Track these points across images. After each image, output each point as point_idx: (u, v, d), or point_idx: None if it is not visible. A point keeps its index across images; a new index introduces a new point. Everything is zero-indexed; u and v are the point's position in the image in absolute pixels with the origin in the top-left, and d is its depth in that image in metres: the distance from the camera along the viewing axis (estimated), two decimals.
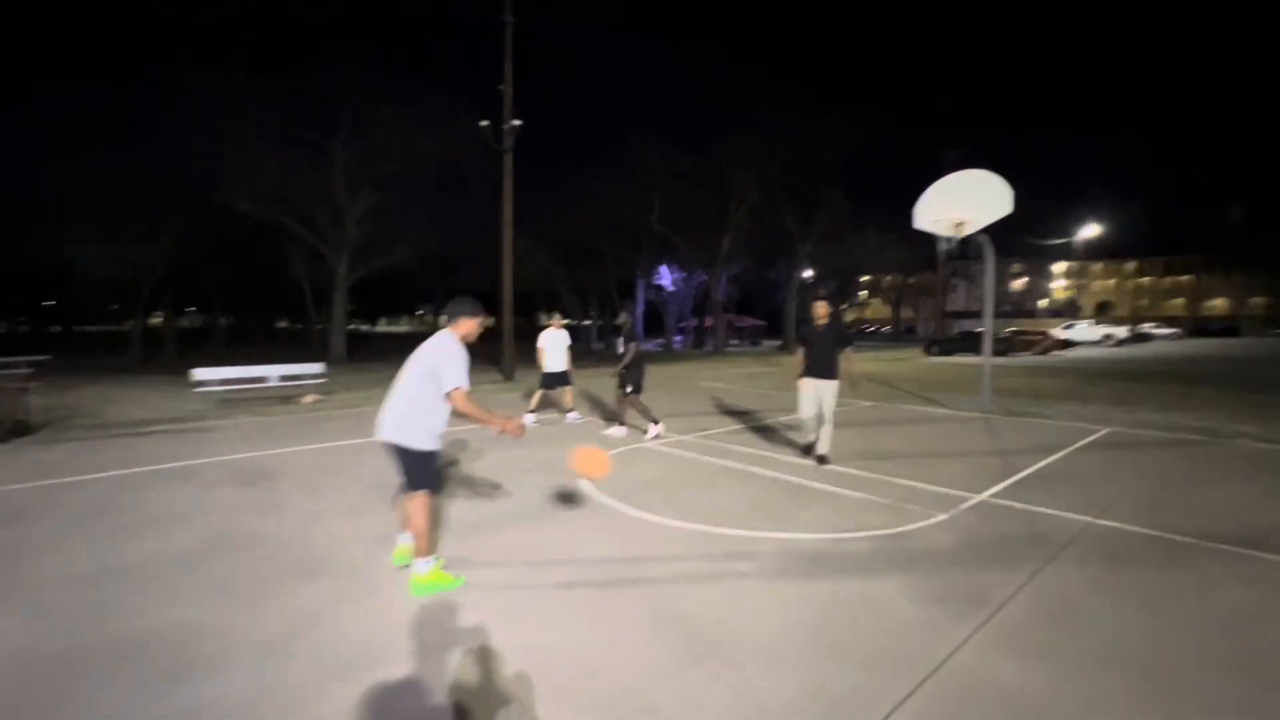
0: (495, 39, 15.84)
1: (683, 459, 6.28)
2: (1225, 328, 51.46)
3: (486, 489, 5.14)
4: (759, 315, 49.51)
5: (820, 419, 5.92)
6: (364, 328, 75.52)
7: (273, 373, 11.31)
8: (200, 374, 10.28)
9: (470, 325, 3.37)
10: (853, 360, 6.09)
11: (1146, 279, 67.31)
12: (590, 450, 3.94)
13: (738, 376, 15.85)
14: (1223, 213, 58.65)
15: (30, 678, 2.45)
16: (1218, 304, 61.71)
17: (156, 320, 34.67)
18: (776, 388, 12.94)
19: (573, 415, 8.71)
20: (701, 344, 39.85)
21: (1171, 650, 2.61)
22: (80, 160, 21.37)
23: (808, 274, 37.66)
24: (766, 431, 7.82)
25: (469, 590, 3.21)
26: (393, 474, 3.49)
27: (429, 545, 3.27)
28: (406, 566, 3.37)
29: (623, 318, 7.82)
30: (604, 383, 14.06)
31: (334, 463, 6.11)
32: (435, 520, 3.71)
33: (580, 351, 30.53)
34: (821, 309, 6.00)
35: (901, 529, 4.13)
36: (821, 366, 5.89)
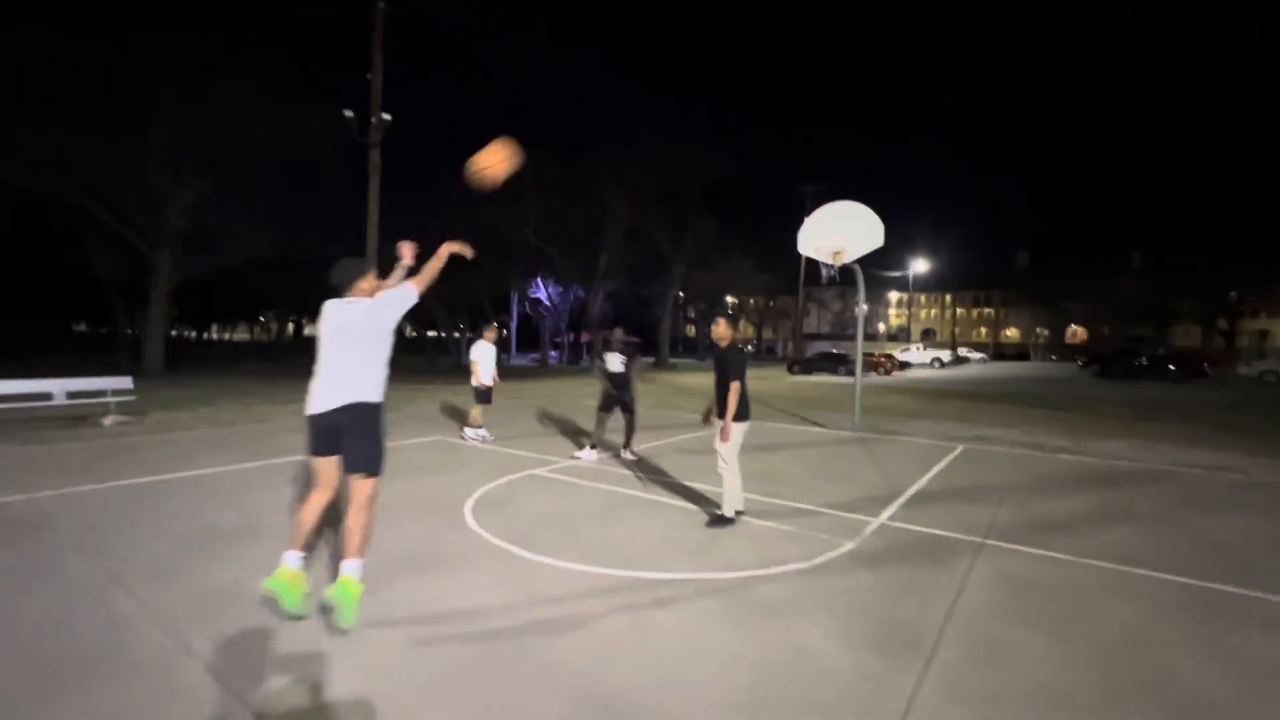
0: (366, 25, 14.47)
1: (578, 488, 5.78)
2: (1018, 352, 61.23)
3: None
4: (633, 331, 50.24)
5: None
6: (191, 334, 65.92)
7: (59, 388, 9.13)
8: None
9: (370, 283, 3.14)
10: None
11: (960, 310, 78.02)
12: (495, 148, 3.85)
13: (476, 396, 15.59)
14: (1014, 256, 70.06)
15: None
16: (1012, 333, 72.90)
17: None
18: (660, 406, 12.84)
19: (481, 433, 8.18)
20: (577, 360, 39.47)
21: (1092, 683, 2.60)
22: None
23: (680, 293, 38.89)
24: (662, 454, 7.55)
25: (344, 663, 2.48)
26: (223, 517, 2.66)
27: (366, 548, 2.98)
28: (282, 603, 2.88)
29: (618, 334, 7.33)
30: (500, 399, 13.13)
31: (137, 506, 4.84)
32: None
33: (449, 366, 28.89)
34: (721, 329, 5.01)
35: (815, 561, 3.97)
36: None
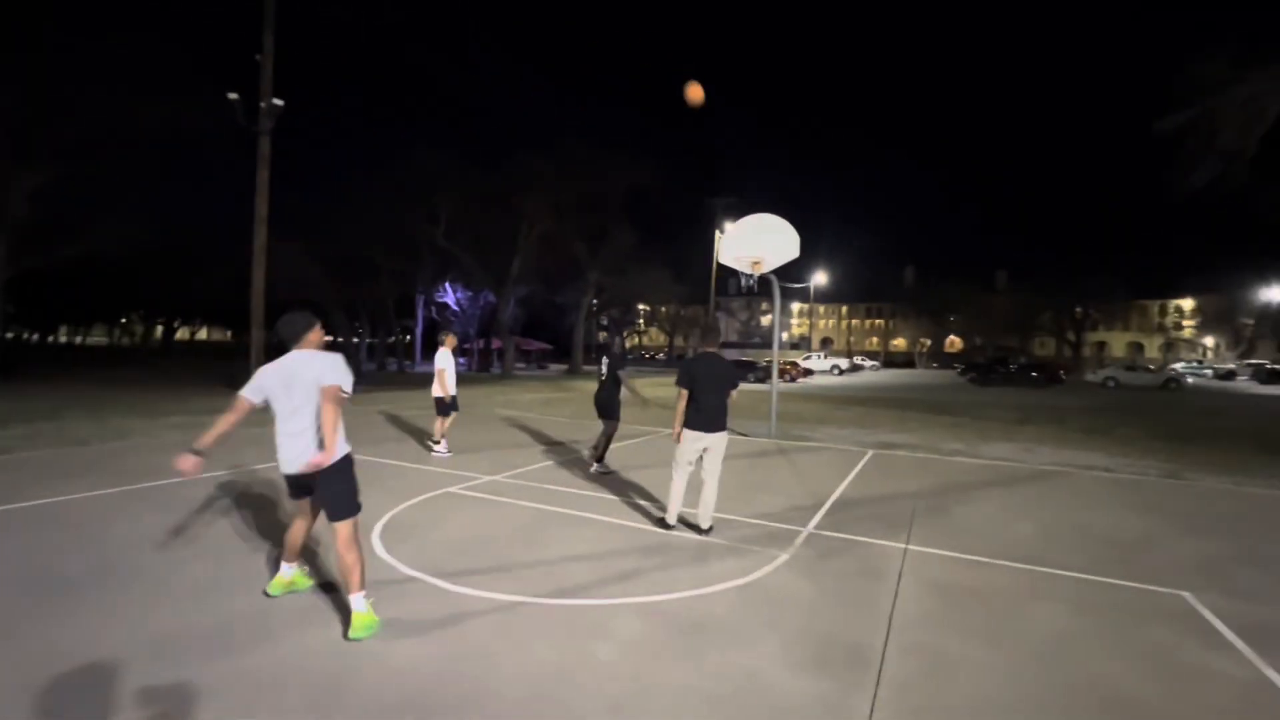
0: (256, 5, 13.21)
1: (500, 506, 5.42)
2: (905, 360, 66.40)
3: (258, 570, 3.72)
4: (545, 338, 49.35)
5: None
6: (33, 337, 57.59)
7: None
8: None
9: (317, 335, 3.18)
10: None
11: (855, 320, 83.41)
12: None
13: (534, 403, 15.13)
14: (902, 272, 76.06)
15: None
16: (900, 342, 78.81)
17: None
18: (577, 416, 12.56)
19: (440, 448, 7.74)
20: (487, 367, 38.20)
21: (1029, 690, 2.66)
22: None
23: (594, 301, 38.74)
24: (582, 467, 7.30)
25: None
26: (67, 559, 2.16)
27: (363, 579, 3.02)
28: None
29: (617, 343, 6.92)
30: (413, 410, 12.22)
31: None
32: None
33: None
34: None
35: (753, 575, 3.90)
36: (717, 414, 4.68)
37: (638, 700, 2.50)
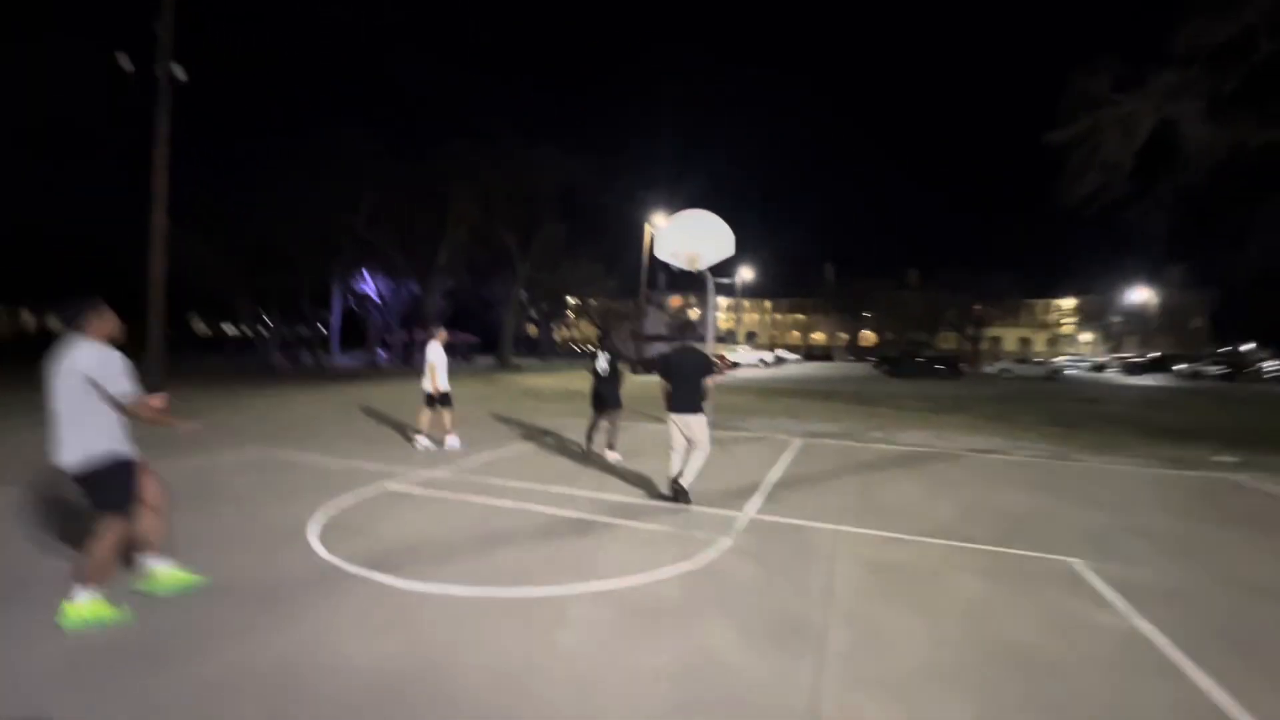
0: None
1: (444, 502, 5.33)
2: (824, 354, 69.70)
3: (199, 567, 3.49)
4: (472, 330, 48.11)
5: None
6: None
7: None
8: None
9: (107, 323, 3.07)
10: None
11: (778, 315, 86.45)
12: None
13: (466, 397, 14.77)
14: (822, 269, 79.50)
15: None
16: (819, 336, 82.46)
17: None
18: (509, 410, 12.41)
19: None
20: (409, 360, 36.83)
21: (960, 654, 2.96)
22: None
23: (524, 293, 38.15)
24: (524, 460, 7.26)
25: None
26: None
27: (103, 573, 2.99)
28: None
29: (608, 341, 7.09)
30: (335, 404, 11.59)
31: None
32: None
33: (254, 369, 25.31)
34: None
35: (701, 560, 4.06)
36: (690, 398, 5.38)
37: (602, 682, 2.59)
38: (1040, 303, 73.96)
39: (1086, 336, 67.46)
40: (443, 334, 7.95)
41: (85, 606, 2.92)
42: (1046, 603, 3.58)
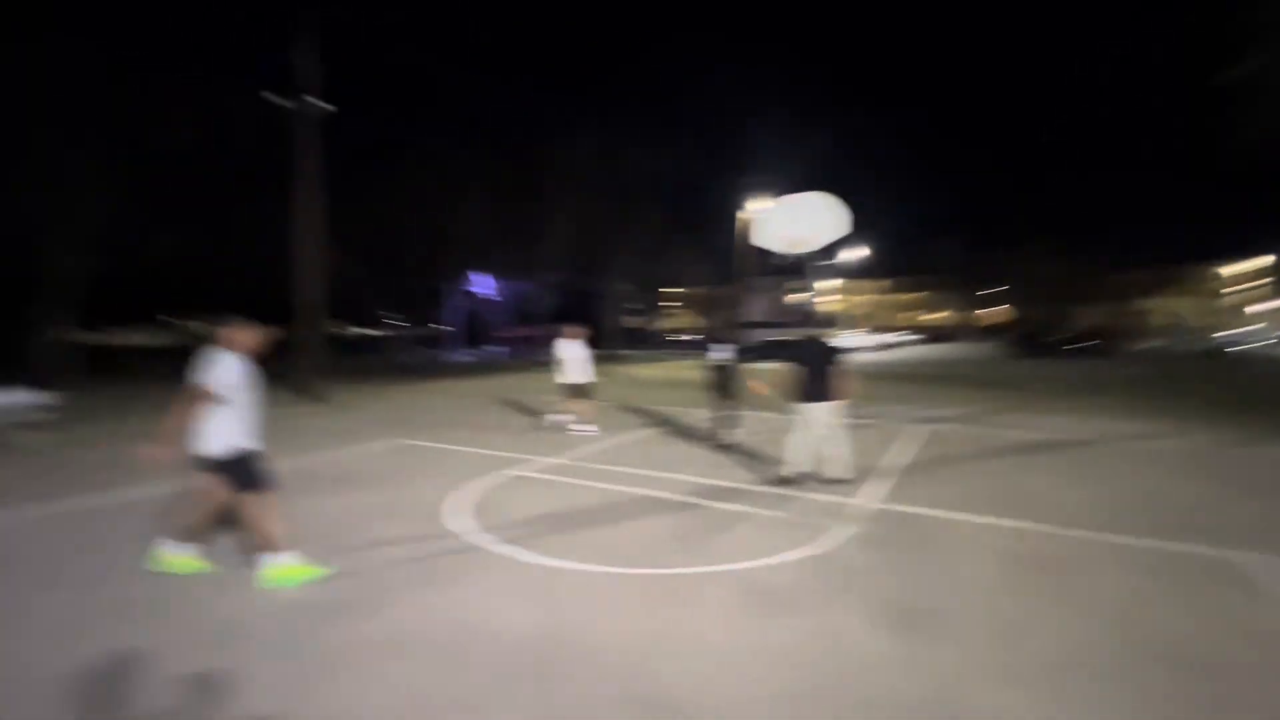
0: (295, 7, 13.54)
1: (567, 487, 5.67)
2: (947, 335, 64.84)
3: (342, 547, 4.03)
4: (576, 323, 49.73)
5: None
6: (90, 338, 60.52)
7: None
8: None
9: (244, 335, 3.48)
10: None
11: (895, 295, 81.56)
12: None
13: (561, 392, 15.40)
14: (942, 242, 73.62)
15: None
16: (941, 316, 76.90)
17: None
18: (621, 400, 12.78)
19: (587, 428, 8.42)
20: (522, 355, 38.77)
21: (1110, 650, 2.77)
22: None
23: (625, 286, 38.89)
24: (640, 447, 7.51)
25: (380, 687, 2.32)
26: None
27: (275, 539, 3.45)
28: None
29: (724, 332, 7.62)
30: (458, 397, 12.66)
31: (84, 535, 4.39)
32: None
33: (389, 366, 27.80)
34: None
35: (823, 547, 4.05)
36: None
37: (730, 658, 2.69)
38: (1202, 268, 64.40)
39: (1264, 305, 57.79)
40: (573, 331, 8.46)
41: (282, 569, 3.44)
42: (1207, 601, 3.24)
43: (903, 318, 79.05)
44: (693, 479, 5.89)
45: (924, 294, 79.16)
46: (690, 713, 2.30)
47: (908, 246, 69.92)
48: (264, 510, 3.47)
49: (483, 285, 39.06)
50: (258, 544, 3.48)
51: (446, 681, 2.52)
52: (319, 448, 7.43)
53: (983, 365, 24.62)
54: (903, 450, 7.25)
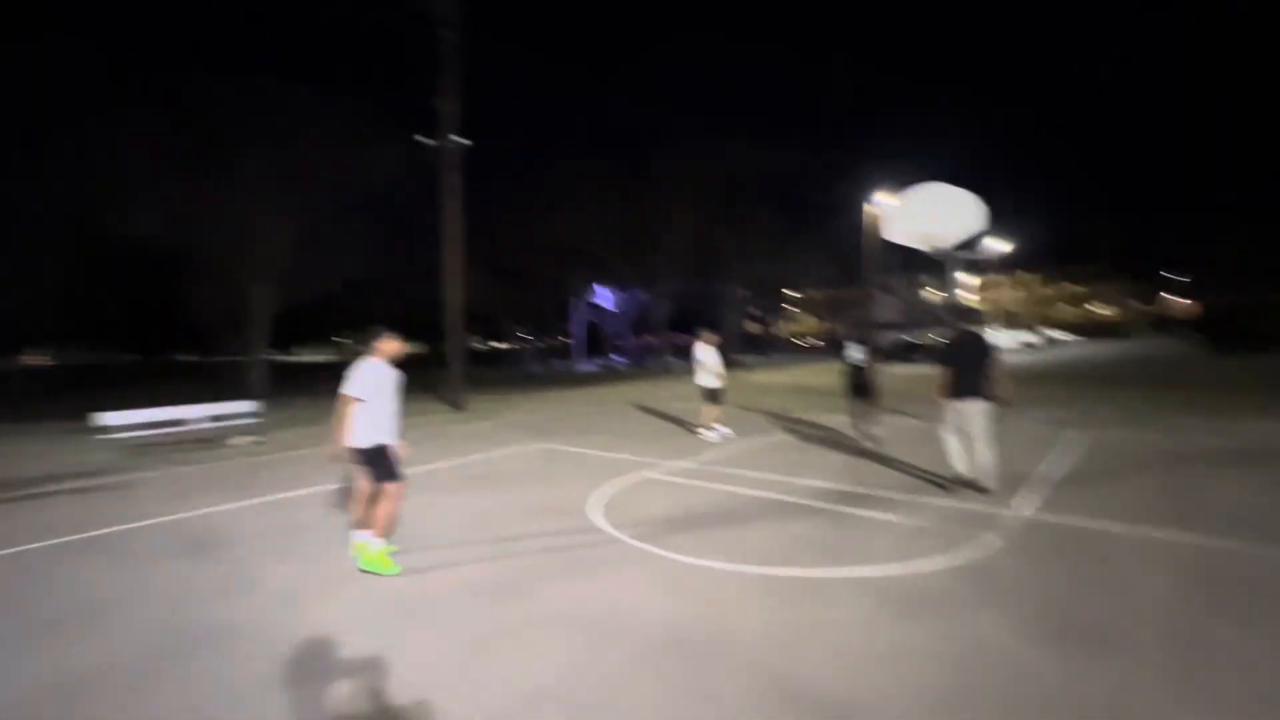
0: (429, 51, 15.14)
1: (695, 489, 5.85)
2: (1115, 330, 56.95)
3: (492, 539, 4.51)
4: (695, 332, 49.97)
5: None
6: (278, 358, 70.67)
7: (195, 413, 10.00)
8: (107, 418, 8.93)
9: (389, 347, 4.00)
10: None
11: (1047, 289, 73.07)
12: None
13: (696, 395, 15.59)
14: (1109, 226, 64.85)
15: None
16: (1106, 309, 67.89)
17: (37, 358, 30.85)
18: (744, 406, 12.76)
19: (723, 431, 8.69)
20: (642, 363, 39.69)
21: None
22: None
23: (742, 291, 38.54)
24: (768, 453, 7.52)
25: (536, 662, 2.63)
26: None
27: (388, 528, 3.96)
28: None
29: (861, 334, 8.34)
30: (569, 407, 13.45)
31: (299, 519, 5.26)
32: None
33: (520, 376, 29.75)
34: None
35: (966, 556, 3.87)
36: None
37: (871, 657, 2.70)
38: None
39: None
40: (709, 337, 8.76)
41: (376, 555, 3.87)
42: None
43: (1059, 313, 70.65)
44: (826, 484, 5.82)
45: (1082, 286, 70.14)
46: (829, 703, 2.36)
47: (1061, 234, 62.27)
48: (391, 501, 3.91)
49: (603, 297, 40.54)
50: (370, 525, 3.90)
51: (594, 657, 2.78)
52: (470, 451, 8.22)
53: (1160, 363, 21.49)
54: (1060, 458, 6.61)
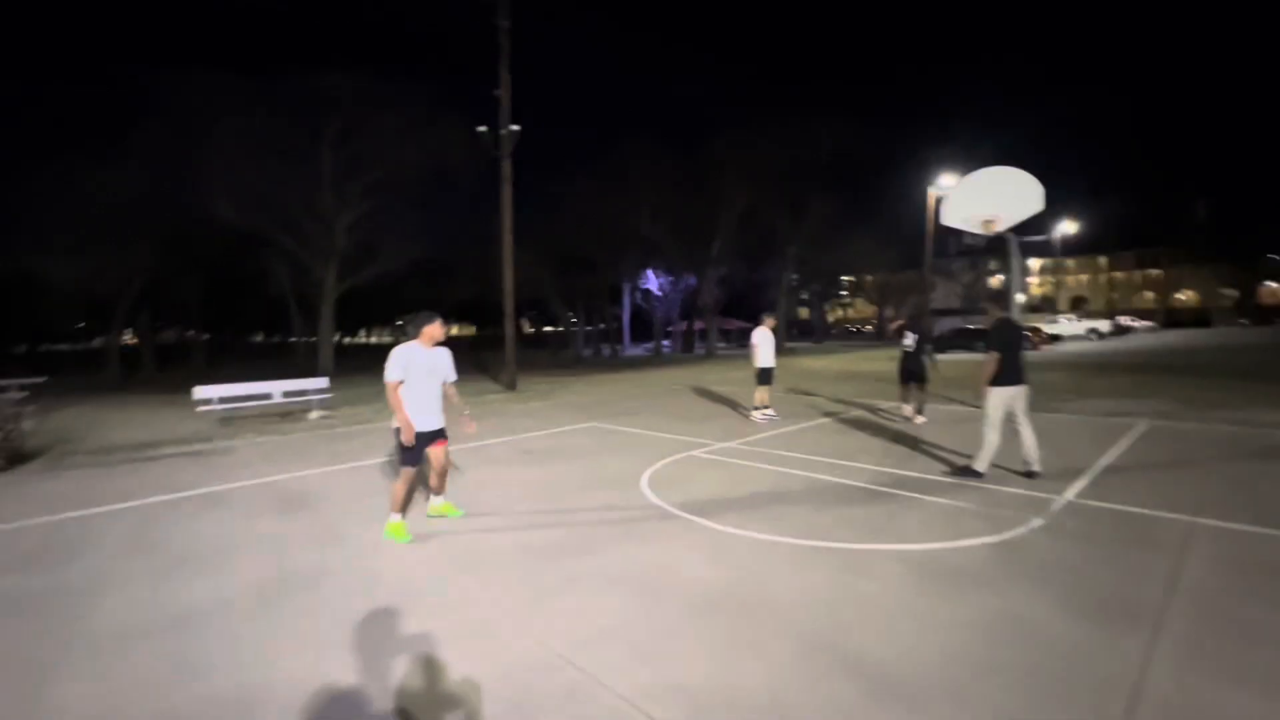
0: (488, 41, 15.53)
1: (741, 468, 6.06)
2: (1197, 319, 53.12)
3: (550, 508, 4.86)
4: (745, 317, 49.59)
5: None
6: (345, 340, 74.05)
7: (276, 389, 10.85)
8: (202, 392, 9.80)
9: (434, 331, 4.26)
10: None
11: (1118, 273, 68.81)
12: None
13: (746, 379, 15.66)
14: (1190, 207, 60.28)
15: None
16: (1188, 296, 63.46)
17: (128, 338, 33.51)
18: (792, 390, 12.80)
19: (769, 413, 9.04)
20: (690, 348, 39.75)
21: None
22: (48, 167, 20.45)
23: (794, 276, 37.97)
24: (814, 436, 7.64)
25: (594, 614, 2.94)
26: (462, 493, 3.22)
27: (402, 504, 4.25)
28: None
29: (915, 322, 8.97)
30: (618, 387, 13.80)
31: (376, 483, 5.77)
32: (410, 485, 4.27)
33: (570, 359, 30.35)
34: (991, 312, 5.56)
35: (1004, 535, 3.96)
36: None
37: (909, 625, 2.88)
38: None
39: None
40: (770, 320, 9.18)
41: (393, 525, 4.21)
42: None
43: (1132, 300, 66.45)
44: (870, 466, 5.93)
45: (1159, 271, 65.57)
46: (860, 660, 2.56)
47: (1135, 216, 58.33)
48: (404, 482, 4.21)
49: (653, 282, 40.69)
50: (393, 502, 4.24)
51: (647, 612, 3.06)
52: (525, 429, 8.66)
53: (1241, 353, 20.13)
54: (1111, 446, 6.49)
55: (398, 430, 4.13)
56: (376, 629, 2.97)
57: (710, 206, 30.83)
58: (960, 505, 4.63)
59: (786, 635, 2.79)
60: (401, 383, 4.13)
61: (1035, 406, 9.30)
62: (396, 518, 4.25)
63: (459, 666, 2.60)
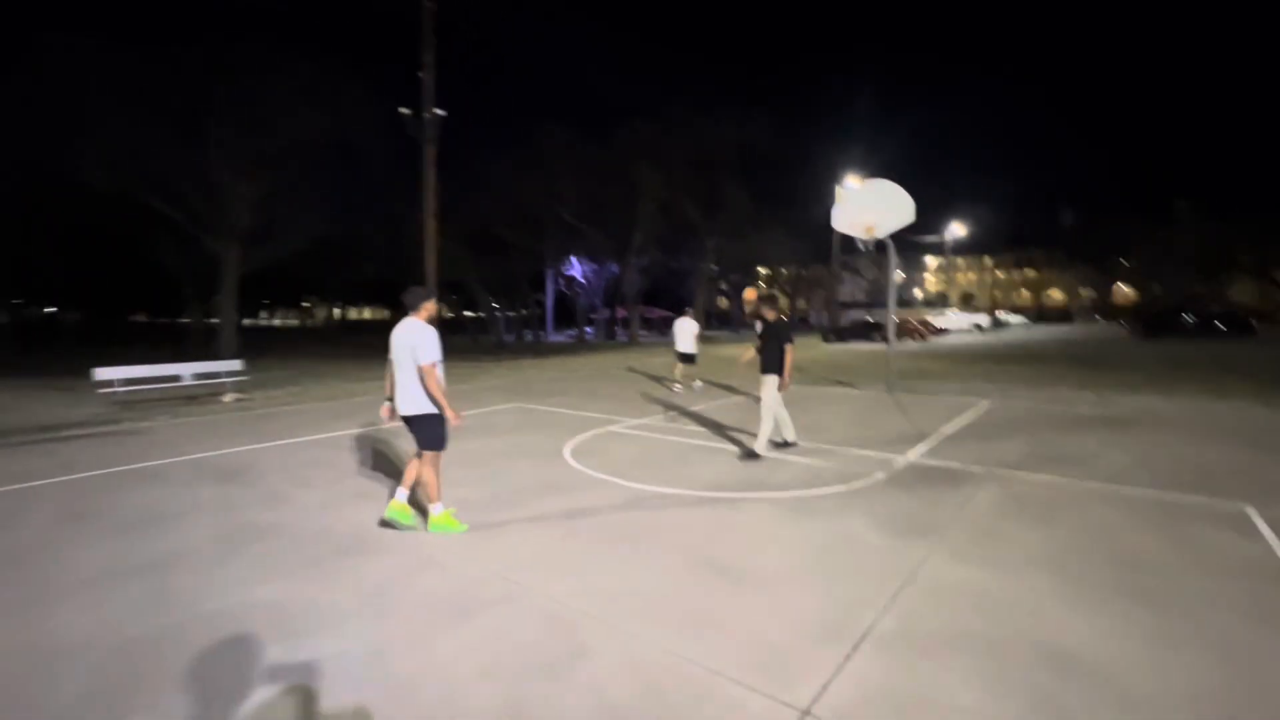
0: (408, 19, 15.41)
1: (652, 440, 6.88)
2: (1061, 315, 59.95)
3: (481, 474, 5.46)
4: (667, 306, 50.99)
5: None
6: (246, 321, 69.23)
7: (186, 371, 10.63)
8: (103, 373, 9.49)
9: (431, 308, 4.03)
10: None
11: (1000, 273, 76.15)
12: None
13: (663, 366, 16.64)
14: (1057, 214, 67.60)
15: (125, 658, 2.59)
16: (1056, 294, 71.16)
17: None
18: (703, 375, 13.83)
19: (698, 385, 11.30)
20: (613, 335, 40.56)
21: (1068, 553, 3.57)
22: None
23: (714, 266, 39.55)
24: (714, 412, 8.58)
25: (519, 547, 3.61)
26: (383, 463, 3.82)
27: (439, 493, 4.05)
28: (393, 523, 4.05)
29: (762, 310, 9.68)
30: (550, 372, 14.30)
31: (309, 457, 6.12)
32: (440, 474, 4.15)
33: (491, 345, 30.35)
34: (767, 310, 6.58)
35: (853, 484, 4.98)
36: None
37: (766, 540, 3.77)
38: None
39: None
40: (692, 312, 10.88)
41: (439, 517, 4.01)
42: (1185, 531, 3.88)
43: (1011, 297, 73.73)
44: (746, 435, 6.89)
45: (1034, 271, 73.20)
46: (735, 570, 3.40)
47: (1014, 221, 64.66)
48: (430, 468, 4.02)
49: (577, 269, 41.08)
50: (428, 494, 4.04)
51: (566, 542, 3.79)
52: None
53: (1088, 346, 23.35)
54: (958, 420, 7.83)
55: (426, 418, 3.88)
56: (336, 565, 3.50)
57: (629, 196, 31.59)
58: (824, 465, 5.66)
59: (676, 552, 3.59)
60: (436, 364, 3.83)
61: (907, 389, 10.87)
62: (439, 509, 4.02)
63: (415, 589, 3.21)
